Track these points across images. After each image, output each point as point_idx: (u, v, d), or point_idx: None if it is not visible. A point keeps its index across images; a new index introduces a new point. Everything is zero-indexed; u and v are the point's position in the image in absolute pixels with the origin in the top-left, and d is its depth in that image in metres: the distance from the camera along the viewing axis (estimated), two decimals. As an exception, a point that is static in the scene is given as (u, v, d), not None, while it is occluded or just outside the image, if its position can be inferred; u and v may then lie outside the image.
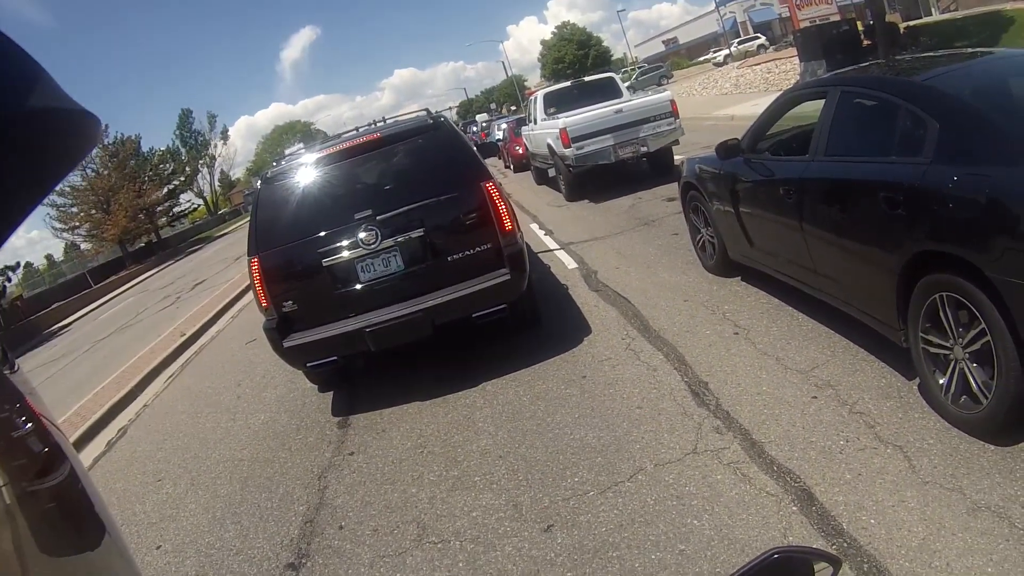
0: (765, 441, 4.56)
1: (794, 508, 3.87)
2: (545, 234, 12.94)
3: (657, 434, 5.03)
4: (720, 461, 4.50)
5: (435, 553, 4.48)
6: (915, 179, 4.04)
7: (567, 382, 6.30)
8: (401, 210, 6.60)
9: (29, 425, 0.76)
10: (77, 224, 58.46)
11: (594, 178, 15.33)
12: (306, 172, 6.93)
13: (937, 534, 3.39)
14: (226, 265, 28.95)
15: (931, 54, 6.10)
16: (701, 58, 74.75)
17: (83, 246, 62.40)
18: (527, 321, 7.61)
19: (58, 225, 58.00)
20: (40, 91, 0.55)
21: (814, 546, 1.80)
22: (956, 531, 3.37)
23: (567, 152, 14.44)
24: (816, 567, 1.13)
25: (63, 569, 0.65)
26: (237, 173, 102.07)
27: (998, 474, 3.65)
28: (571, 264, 10.21)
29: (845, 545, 3.50)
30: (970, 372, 3.91)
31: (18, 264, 46.82)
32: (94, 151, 56.50)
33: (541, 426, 5.65)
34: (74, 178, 56.28)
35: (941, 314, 4.00)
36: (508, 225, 6.65)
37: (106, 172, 58.11)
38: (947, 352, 4.07)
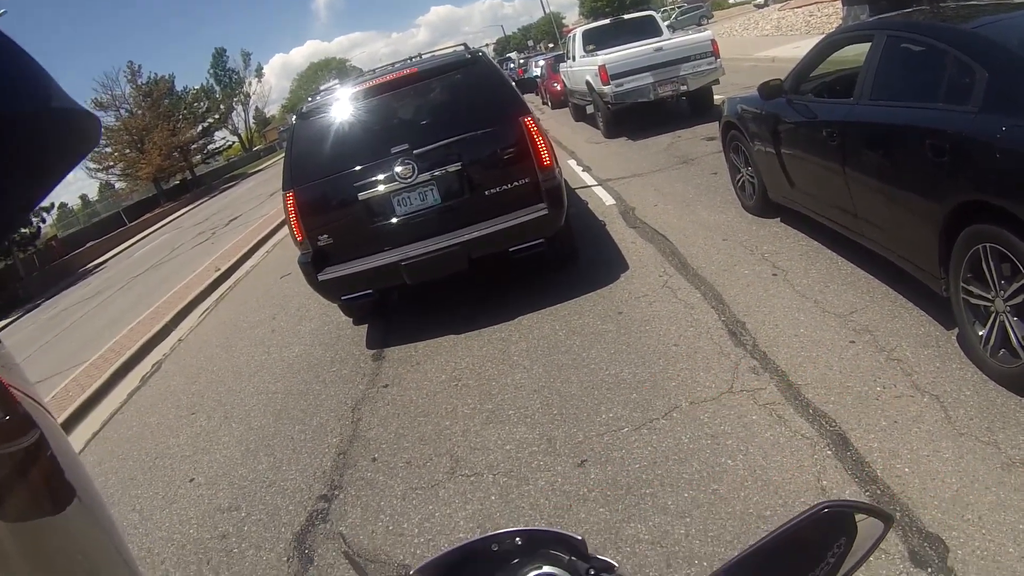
0: (801, 384, 4.49)
1: (829, 452, 3.82)
2: (583, 170, 12.81)
3: (693, 372, 4.98)
4: (756, 402, 4.44)
5: (468, 486, 4.48)
6: (962, 127, 3.91)
7: (603, 317, 6.24)
8: (438, 144, 6.54)
9: None
10: (111, 164, 58.80)
11: (632, 116, 15.11)
12: (342, 107, 6.86)
13: (971, 487, 3.32)
14: (260, 201, 29.07)
15: (978, 3, 5.89)
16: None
17: (117, 185, 62.94)
18: (564, 256, 7.56)
19: (92, 165, 58.32)
20: (40, 91, 0.54)
21: (864, 501, 1.74)
22: (990, 485, 3.30)
23: (606, 89, 14.27)
24: (867, 523, 1.06)
25: (22, 534, 0.64)
26: (272, 110, 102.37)
27: (1034, 431, 3.57)
28: (609, 200, 10.09)
29: (879, 492, 3.45)
30: (1011, 325, 3.80)
31: (52, 205, 47.28)
32: (127, 91, 56.75)
33: (576, 361, 5.62)
34: (107, 119, 56.73)
35: (983, 265, 3.89)
36: (546, 160, 6.56)
37: (140, 112, 58.26)
38: (988, 304, 3.96)
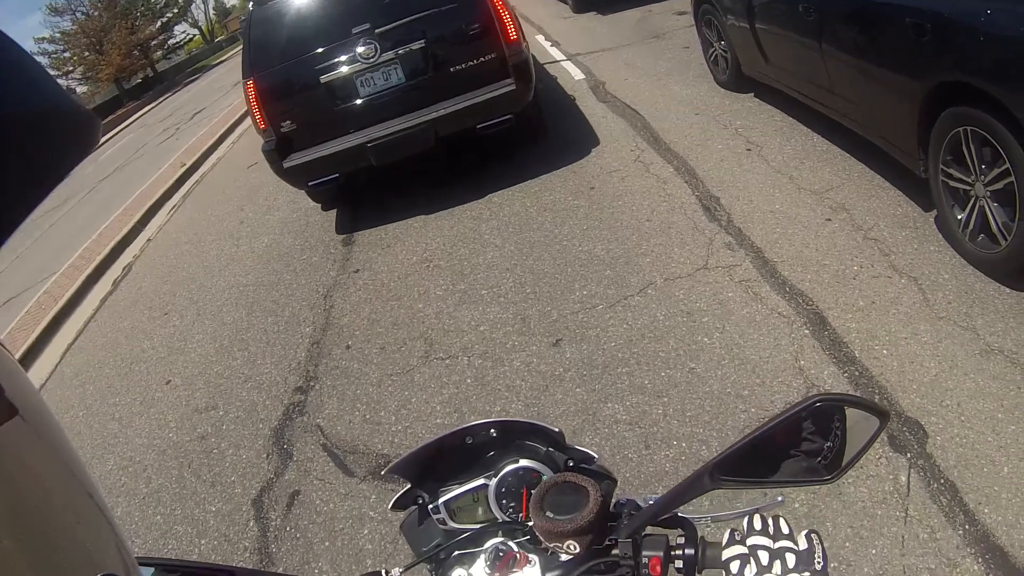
0: (778, 260, 4.44)
1: (806, 331, 3.79)
2: (551, 45, 12.49)
3: (667, 248, 4.92)
4: (732, 278, 4.40)
5: (443, 369, 4.46)
6: (945, 8, 3.72)
7: (575, 193, 6.16)
8: (400, 22, 6.34)
9: None
10: (71, 68, 57.37)
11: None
12: None
13: (949, 372, 3.29)
14: (224, 92, 28.38)
15: None
16: None
17: (79, 90, 61.40)
18: (533, 132, 7.41)
19: (52, 72, 56.46)
20: (41, 92, 0.52)
21: (858, 396, 1.69)
22: (968, 371, 3.26)
23: (575, -38, 13.76)
24: (861, 417, 1.00)
25: None
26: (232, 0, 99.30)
27: (1013, 319, 3.50)
28: (578, 75, 9.80)
29: (857, 374, 3.43)
30: (990, 211, 3.70)
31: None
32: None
33: (548, 238, 5.57)
34: (64, 23, 55.50)
35: (964, 148, 3.76)
36: (513, 34, 6.38)
37: (96, 13, 56.58)
38: (968, 188, 3.85)
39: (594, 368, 4.00)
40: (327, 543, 3.61)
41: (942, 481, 2.80)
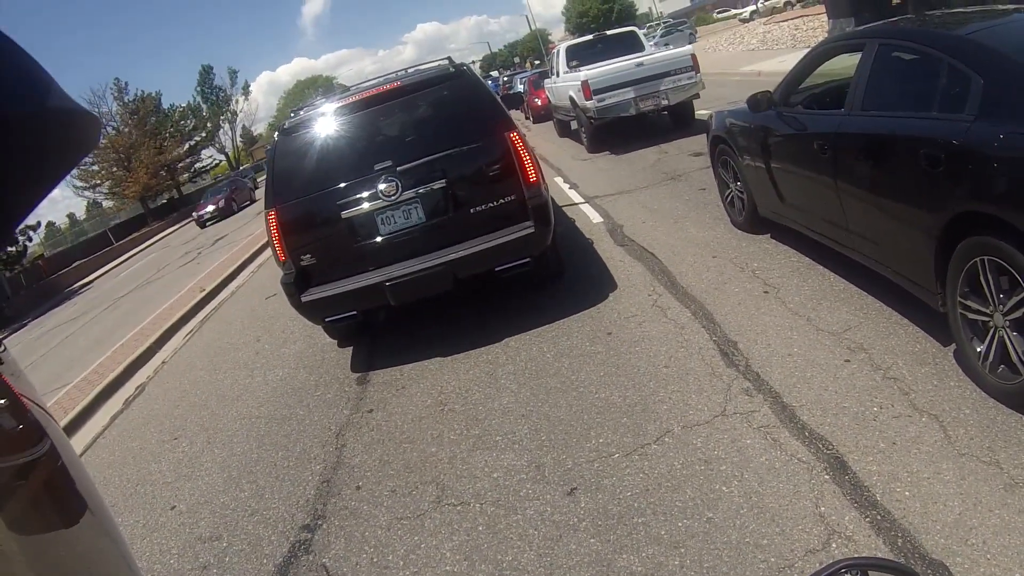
0: (796, 405, 4.38)
1: (826, 477, 3.71)
2: (570, 187, 12.74)
3: (685, 395, 4.86)
4: (750, 425, 4.33)
5: (454, 515, 4.36)
6: (957, 136, 3.80)
7: (592, 339, 6.13)
8: (422, 160, 6.42)
9: (3, 401, 0.75)
10: (98, 182, 58.89)
11: (616, 131, 15.19)
12: (325, 123, 6.73)
13: (974, 510, 3.22)
14: (247, 220, 28.99)
15: (964, 10, 5.81)
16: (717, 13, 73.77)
17: (105, 204, 62.92)
18: (551, 275, 7.44)
19: (79, 183, 58.53)
20: (42, 92, 0.55)
21: (888, 558, 1.65)
22: (993, 507, 3.20)
23: (589, 104, 14.38)
24: None
25: (36, 547, 0.64)
26: (259, 129, 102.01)
27: (1037, 450, 3.46)
28: (596, 218, 9.98)
29: (879, 518, 3.34)
30: (1010, 341, 3.70)
31: (39, 224, 47.25)
32: (114, 108, 56.84)
33: (565, 384, 5.50)
34: (95, 136, 57.43)
35: (981, 279, 3.78)
36: (533, 176, 6.45)
37: (127, 130, 58.29)
38: (986, 319, 3.86)
39: (609, 518, 3.91)
40: None
41: (970, 627, 2.70)
